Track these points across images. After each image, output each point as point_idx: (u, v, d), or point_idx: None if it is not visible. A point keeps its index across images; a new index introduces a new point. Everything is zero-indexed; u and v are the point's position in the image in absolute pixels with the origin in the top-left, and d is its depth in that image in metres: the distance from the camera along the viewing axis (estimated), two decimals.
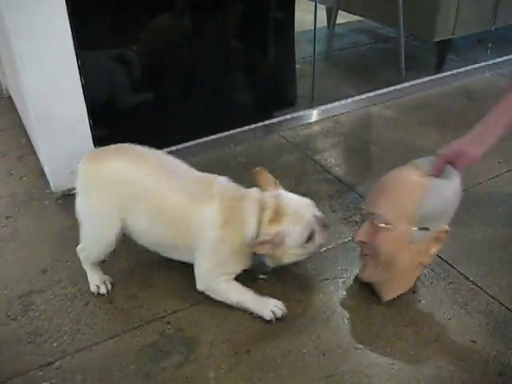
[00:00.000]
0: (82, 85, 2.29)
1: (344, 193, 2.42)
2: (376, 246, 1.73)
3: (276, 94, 3.09)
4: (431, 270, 1.97)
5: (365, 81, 3.49)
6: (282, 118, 3.03)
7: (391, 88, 3.36)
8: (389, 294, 1.84)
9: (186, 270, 1.86)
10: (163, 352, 1.69)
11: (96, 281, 1.91)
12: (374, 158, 2.72)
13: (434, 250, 1.76)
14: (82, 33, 2.21)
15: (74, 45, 2.19)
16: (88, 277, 1.92)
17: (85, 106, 2.33)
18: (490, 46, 3.89)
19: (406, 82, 3.42)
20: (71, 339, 1.73)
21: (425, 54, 3.74)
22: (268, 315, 1.76)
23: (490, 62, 3.72)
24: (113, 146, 1.86)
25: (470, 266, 1.98)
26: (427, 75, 3.51)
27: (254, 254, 1.80)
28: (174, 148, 2.69)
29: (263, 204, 1.77)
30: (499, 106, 1.73)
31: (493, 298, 1.84)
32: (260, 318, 1.78)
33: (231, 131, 2.89)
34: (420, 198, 1.65)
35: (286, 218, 1.75)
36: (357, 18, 4.30)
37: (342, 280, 1.95)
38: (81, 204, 1.81)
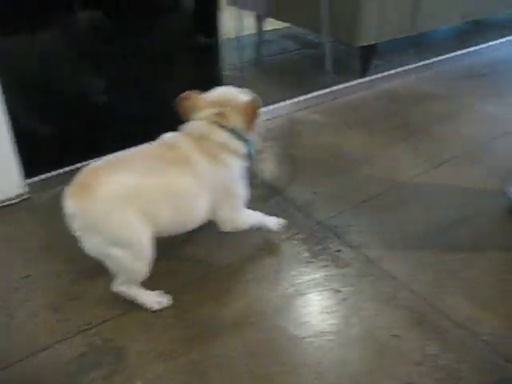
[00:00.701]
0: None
1: (272, 197, 2.46)
2: None
3: None
4: (356, 268, 2.02)
5: (293, 86, 3.55)
6: None
7: (319, 92, 3.43)
8: None
9: (111, 279, 1.83)
10: (92, 363, 1.66)
11: (154, 297, 1.86)
12: (302, 162, 2.76)
13: None
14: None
15: None
16: (141, 300, 1.85)
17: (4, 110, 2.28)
18: (413, 50, 4.03)
19: (334, 86, 3.50)
20: None
21: (351, 59, 3.83)
22: (275, 226, 2.13)
23: (414, 65, 3.85)
24: (83, 172, 1.74)
25: (393, 263, 2.05)
26: (354, 79, 3.60)
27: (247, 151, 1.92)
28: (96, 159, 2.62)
29: (211, 116, 1.87)
30: None
31: (415, 293, 1.91)
32: (186, 322, 1.80)
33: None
34: None
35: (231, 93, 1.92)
36: (285, 24, 4.37)
37: (269, 281, 1.97)
38: (101, 239, 1.68)
